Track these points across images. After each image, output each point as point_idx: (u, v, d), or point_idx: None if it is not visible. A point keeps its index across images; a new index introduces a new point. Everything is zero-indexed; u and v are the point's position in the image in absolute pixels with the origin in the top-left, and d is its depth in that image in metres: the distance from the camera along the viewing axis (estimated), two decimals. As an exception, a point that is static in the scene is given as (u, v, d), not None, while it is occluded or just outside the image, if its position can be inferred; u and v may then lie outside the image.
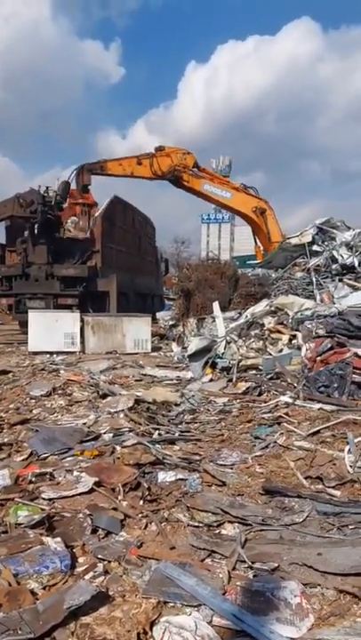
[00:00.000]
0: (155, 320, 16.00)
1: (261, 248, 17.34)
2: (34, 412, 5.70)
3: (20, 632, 1.92)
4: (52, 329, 10.81)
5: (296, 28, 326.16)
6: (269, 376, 7.00)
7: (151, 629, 2.01)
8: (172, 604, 2.17)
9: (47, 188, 14.09)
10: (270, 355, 7.68)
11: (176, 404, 6.11)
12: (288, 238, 11.91)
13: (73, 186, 15.74)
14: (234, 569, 2.50)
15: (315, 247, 10.86)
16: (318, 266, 10.32)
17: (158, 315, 19.25)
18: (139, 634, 1.98)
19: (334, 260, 10.29)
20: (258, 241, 17.72)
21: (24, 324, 12.47)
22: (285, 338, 8.07)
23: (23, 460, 4.11)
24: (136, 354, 10.66)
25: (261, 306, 9.48)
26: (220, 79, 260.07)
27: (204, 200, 18.19)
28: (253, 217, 16.98)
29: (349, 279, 9.65)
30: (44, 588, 2.32)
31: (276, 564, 2.51)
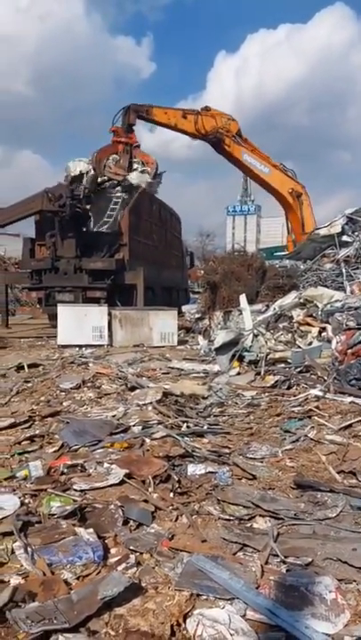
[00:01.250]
0: (180, 313, 16.02)
1: (293, 237, 17.13)
2: (64, 404, 5.76)
3: (55, 621, 1.94)
4: (80, 323, 10.93)
5: (329, 14, 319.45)
6: (299, 369, 6.91)
7: (185, 622, 2.00)
8: (204, 597, 2.16)
9: None
10: (299, 348, 7.59)
11: (204, 397, 6.10)
12: (317, 229, 11.74)
13: (118, 124, 15.85)
14: (267, 563, 2.48)
15: (344, 238, 10.64)
16: (348, 257, 10.12)
17: (184, 308, 19.26)
18: (172, 626, 1.97)
19: (365, 251, 10.08)
20: (290, 228, 17.48)
21: (53, 317, 12.63)
22: (315, 330, 7.97)
23: (54, 451, 4.15)
24: (163, 347, 10.69)
25: (290, 298, 9.37)
26: (250, 69, 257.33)
27: (242, 171, 18.06)
28: (289, 199, 16.75)
29: (380, 270, 9.45)
30: (77, 579, 2.34)
31: (310, 559, 2.48)
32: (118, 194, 15.45)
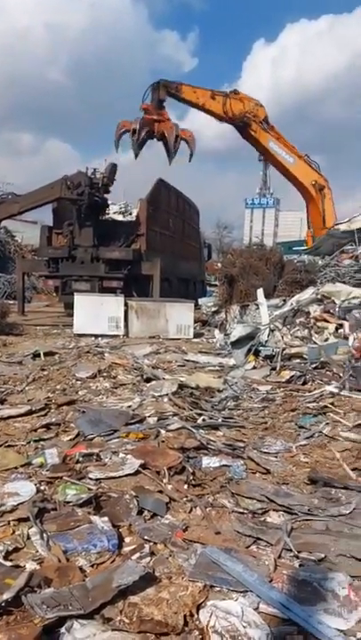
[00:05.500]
0: (197, 306, 16.00)
1: (312, 232, 17.02)
2: (80, 393, 5.80)
3: (70, 607, 1.97)
4: (96, 312, 10.96)
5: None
6: (314, 365, 6.88)
7: (198, 612, 2.02)
8: (218, 589, 2.18)
9: (94, 170, 14.13)
10: (316, 344, 7.54)
11: (219, 391, 6.11)
12: (337, 224, 11.63)
13: (148, 101, 15.89)
14: (280, 557, 2.49)
15: (364, 234, 10.55)
16: (368, 253, 10.04)
17: (200, 301, 19.22)
18: (185, 616, 2.00)
19: (385, 248, 9.98)
20: (309, 222, 17.36)
21: (70, 306, 12.68)
22: (332, 327, 7.91)
23: (70, 439, 4.19)
24: (178, 339, 10.68)
25: (307, 294, 9.31)
26: (288, 59, 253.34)
27: (266, 159, 18.09)
28: (311, 191, 16.64)
29: None
30: (92, 566, 2.37)
31: (323, 555, 2.48)
32: None
